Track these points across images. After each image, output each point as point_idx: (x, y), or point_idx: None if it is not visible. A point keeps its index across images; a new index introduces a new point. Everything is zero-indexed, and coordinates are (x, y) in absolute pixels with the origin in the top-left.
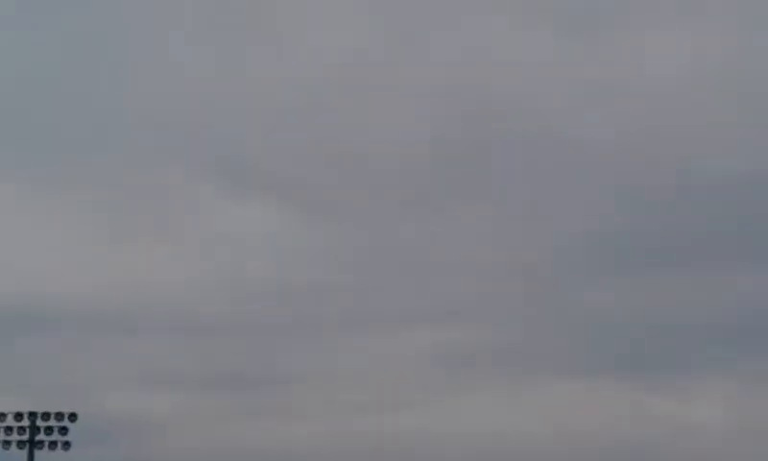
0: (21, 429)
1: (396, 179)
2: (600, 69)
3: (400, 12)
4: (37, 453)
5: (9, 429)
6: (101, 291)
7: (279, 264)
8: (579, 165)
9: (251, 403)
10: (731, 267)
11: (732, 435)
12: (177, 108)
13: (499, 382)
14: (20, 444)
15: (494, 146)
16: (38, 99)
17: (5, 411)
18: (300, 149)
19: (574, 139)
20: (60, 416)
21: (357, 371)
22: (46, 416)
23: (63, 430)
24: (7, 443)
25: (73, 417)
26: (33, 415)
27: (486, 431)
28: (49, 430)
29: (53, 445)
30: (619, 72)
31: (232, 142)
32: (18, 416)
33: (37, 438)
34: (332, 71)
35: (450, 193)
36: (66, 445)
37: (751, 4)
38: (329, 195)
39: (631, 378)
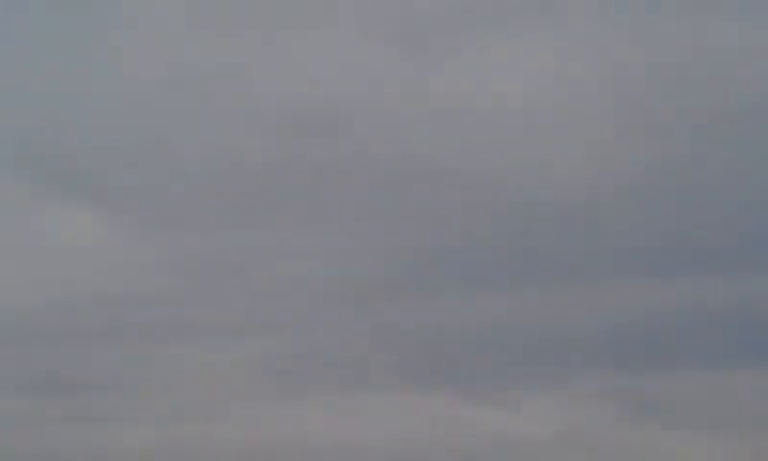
0: None
1: (228, 191)
2: (440, 85)
3: (227, 24)
4: None
5: None
6: None
7: (102, 271)
8: (412, 182)
9: (67, 409)
10: (566, 284)
11: (561, 449)
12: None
13: (324, 394)
14: None
15: (326, 162)
16: None
17: None
18: (129, 157)
19: (408, 157)
20: None
21: (177, 379)
22: None
23: None
24: None
25: None
26: None
27: (309, 442)
28: None
29: None
30: (459, 88)
31: (59, 149)
32: None
33: None
34: (159, 83)
35: (283, 206)
36: None
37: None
38: (158, 204)
39: (461, 392)
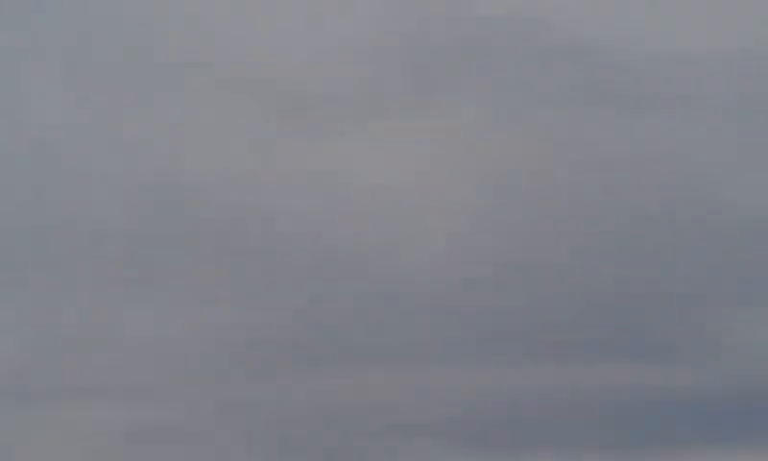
0: None
1: (89, 258)
2: (314, 160)
3: (96, 90)
4: None
5: None
6: None
7: None
8: (276, 255)
9: None
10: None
11: None
12: None
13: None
14: None
15: (189, 233)
16: None
17: None
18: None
19: (275, 228)
20: None
21: (34, 444)
22: None
23: None
24: None
25: None
26: None
27: None
28: None
29: None
30: (334, 165)
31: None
32: None
33: None
34: (34, 145)
35: (144, 277)
36: None
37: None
38: (22, 268)
39: None
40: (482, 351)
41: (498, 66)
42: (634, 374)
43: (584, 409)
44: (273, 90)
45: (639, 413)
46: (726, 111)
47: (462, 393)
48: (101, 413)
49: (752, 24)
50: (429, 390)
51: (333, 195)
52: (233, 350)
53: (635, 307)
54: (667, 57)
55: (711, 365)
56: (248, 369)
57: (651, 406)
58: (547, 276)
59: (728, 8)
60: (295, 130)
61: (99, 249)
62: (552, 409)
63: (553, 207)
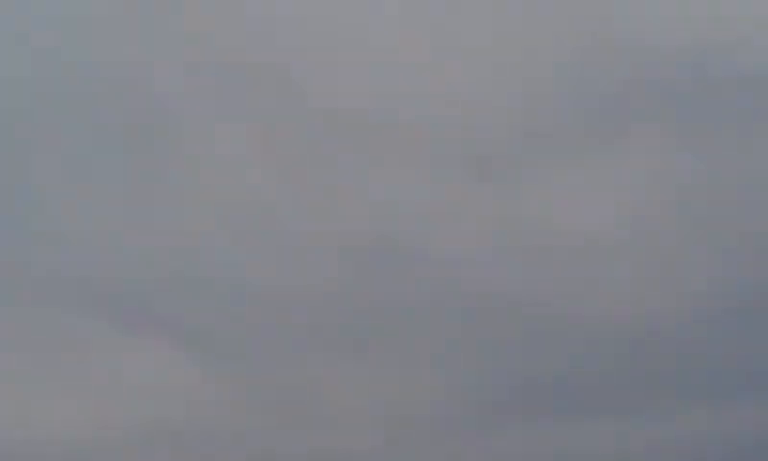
0: None
1: (291, 323)
2: (506, 216)
3: (298, 159)
4: None
5: None
6: None
7: (172, 406)
8: (481, 313)
9: None
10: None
11: None
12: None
13: None
14: None
15: (396, 297)
16: None
17: None
18: (194, 289)
19: (469, 283)
20: None
21: None
22: None
23: None
24: None
25: None
26: None
27: None
28: None
29: None
30: (528, 220)
31: (124, 281)
32: None
33: None
34: (225, 213)
35: (350, 342)
36: None
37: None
38: (222, 335)
39: None
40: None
41: (681, 97)
42: None
43: None
44: (461, 140)
45: None
46: None
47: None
48: None
49: None
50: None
51: (531, 243)
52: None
53: None
54: None
55: None
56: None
57: None
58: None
59: None
60: (485, 177)
61: (309, 314)
62: None
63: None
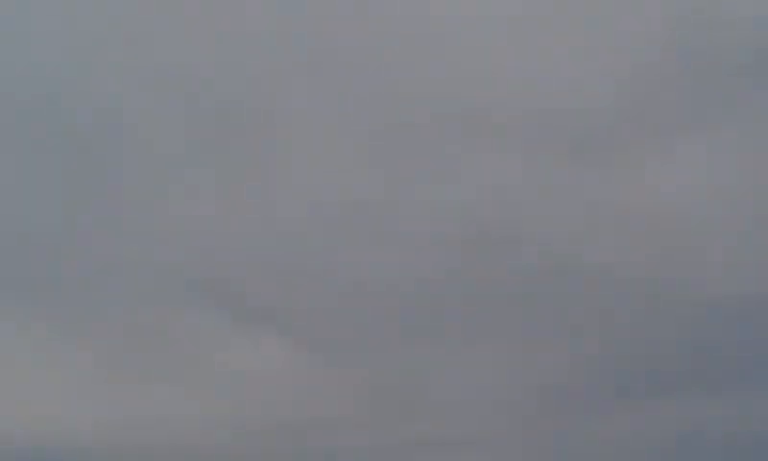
0: None
1: (395, 313)
2: (600, 192)
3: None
4: None
5: None
6: (106, 429)
7: (279, 399)
8: (593, 290)
9: None
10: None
11: None
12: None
13: None
14: None
15: (495, 277)
16: (40, 236)
17: None
18: (299, 283)
19: (576, 265)
20: None
21: None
22: None
23: None
24: None
25: None
26: None
27: None
28: None
29: None
30: (620, 194)
31: (231, 276)
32: None
33: None
34: (326, 209)
35: (450, 326)
36: None
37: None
38: (329, 328)
39: None
40: None
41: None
42: None
43: None
44: (556, 125)
45: None
46: None
47: None
48: None
49: None
50: None
51: (631, 224)
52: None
53: None
54: None
55: None
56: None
57: None
58: None
59: None
60: (583, 162)
61: (416, 303)
62: None
63: None
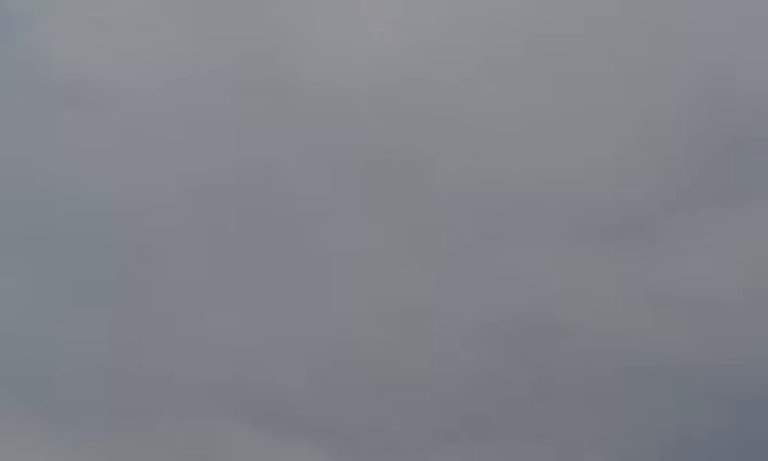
0: None
1: (433, 412)
2: (641, 278)
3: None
4: None
5: None
6: None
7: None
8: (635, 376)
9: None
10: None
11: None
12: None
13: None
14: None
15: (549, 365)
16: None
17: None
18: (338, 387)
19: (631, 351)
20: None
21: None
22: None
23: None
24: None
25: None
26: None
27: None
28: None
29: None
30: (662, 280)
31: (274, 387)
32: None
33: None
34: (370, 309)
35: (493, 428)
36: None
37: None
38: (364, 430)
39: None
40: None
41: None
42: None
43: None
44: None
45: None
46: None
47: None
48: None
49: None
50: None
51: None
52: None
53: None
54: None
55: None
56: None
57: None
58: None
59: None
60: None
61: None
62: None
63: None
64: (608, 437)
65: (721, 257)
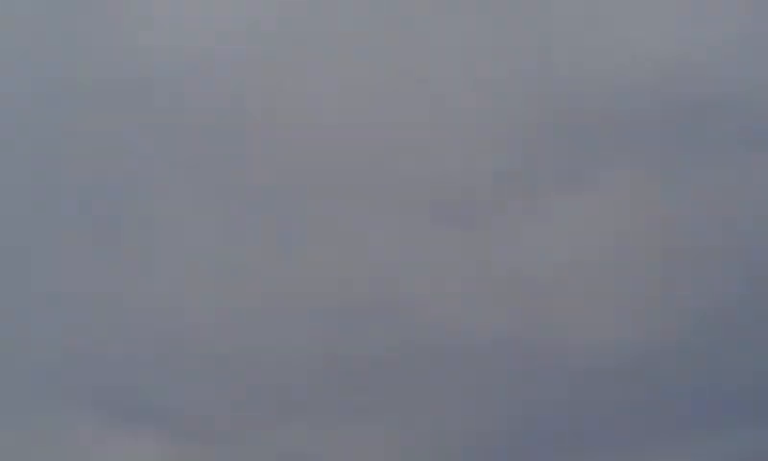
0: None
1: (287, 387)
2: (477, 257)
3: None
4: None
5: None
6: None
7: None
8: (481, 358)
9: None
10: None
11: None
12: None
13: None
14: None
15: (389, 350)
16: None
17: None
18: (182, 375)
19: (463, 338)
20: None
21: None
22: None
23: None
24: None
25: None
26: None
27: None
28: None
29: None
30: (498, 259)
31: (112, 371)
32: None
33: None
34: (211, 298)
35: (338, 407)
36: None
37: None
38: (207, 415)
39: None
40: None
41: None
42: None
43: None
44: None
45: None
46: None
47: None
48: None
49: None
50: None
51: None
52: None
53: None
54: None
55: None
56: None
57: None
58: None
59: None
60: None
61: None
62: None
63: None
64: (436, 414)
65: (554, 237)
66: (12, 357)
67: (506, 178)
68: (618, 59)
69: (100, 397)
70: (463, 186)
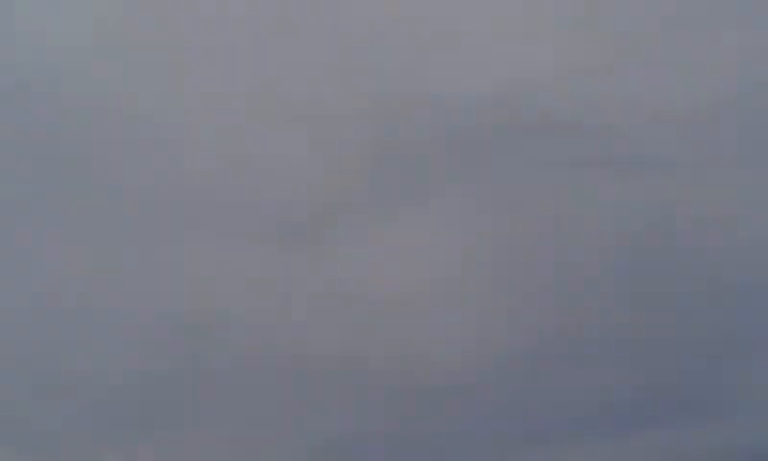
0: None
1: (97, 413)
2: (304, 275)
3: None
4: None
5: None
6: None
7: None
8: (306, 374)
9: None
10: None
11: None
12: None
13: None
14: None
15: (209, 370)
16: None
17: None
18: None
19: (293, 354)
20: None
21: None
22: None
23: None
24: None
25: None
26: None
27: None
28: None
29: None
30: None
31: None
32: None
33: None
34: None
35: (176, 423)
36: None
37: None
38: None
39: None
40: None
41: (480, 147)
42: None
43: None
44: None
45: None
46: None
47: None
48: None
49: None
50: None
51: (343, 305)
52: None
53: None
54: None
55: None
56: None
57: None
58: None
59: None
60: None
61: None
62: None
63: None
64: (269, 434)
65: (384, 257)
66: None
67: (338, 200)
68: (456, 79)
69: None
70: (295, 208)
